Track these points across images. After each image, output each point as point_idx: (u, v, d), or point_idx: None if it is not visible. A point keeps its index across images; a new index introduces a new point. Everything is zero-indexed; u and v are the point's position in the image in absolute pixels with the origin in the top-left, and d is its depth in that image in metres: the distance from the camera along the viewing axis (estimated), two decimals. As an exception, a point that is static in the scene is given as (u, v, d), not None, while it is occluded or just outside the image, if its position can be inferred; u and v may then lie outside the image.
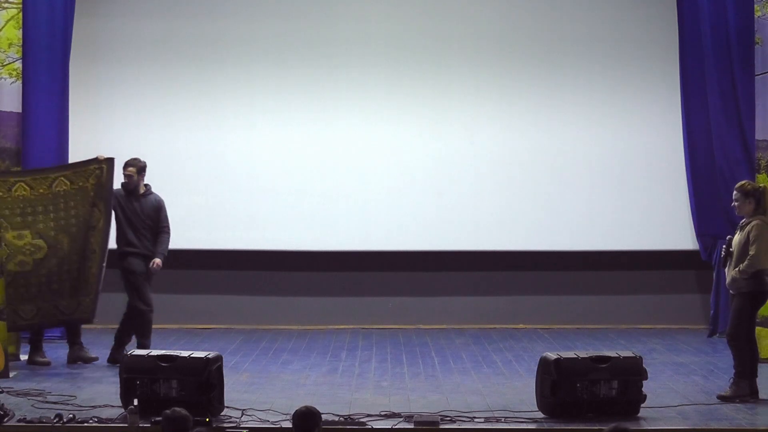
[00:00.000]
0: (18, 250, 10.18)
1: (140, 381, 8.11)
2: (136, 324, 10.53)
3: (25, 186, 10.24)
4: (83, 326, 10.67)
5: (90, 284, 10.28)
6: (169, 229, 10.63)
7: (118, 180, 10.54)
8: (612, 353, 8.36)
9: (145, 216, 10.53)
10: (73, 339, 10.64)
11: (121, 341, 10.57)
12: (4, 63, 11.62)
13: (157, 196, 10.65)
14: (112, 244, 10.57)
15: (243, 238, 12.76)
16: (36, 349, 10.58)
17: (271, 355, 10.89)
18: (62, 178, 10.29)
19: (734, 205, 9.05)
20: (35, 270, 10.19)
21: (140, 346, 10.33)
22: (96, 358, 10.60)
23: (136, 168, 10.54)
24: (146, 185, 10.64)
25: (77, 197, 10.29)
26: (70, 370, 10.29)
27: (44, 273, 10.19)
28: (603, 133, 13.07)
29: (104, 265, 10.37)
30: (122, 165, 10.56)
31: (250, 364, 10.57)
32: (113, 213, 10.51)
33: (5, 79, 11.62)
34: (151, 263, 10.52)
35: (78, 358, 10.57)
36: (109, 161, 10.40)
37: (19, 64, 11.65)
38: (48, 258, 10.21)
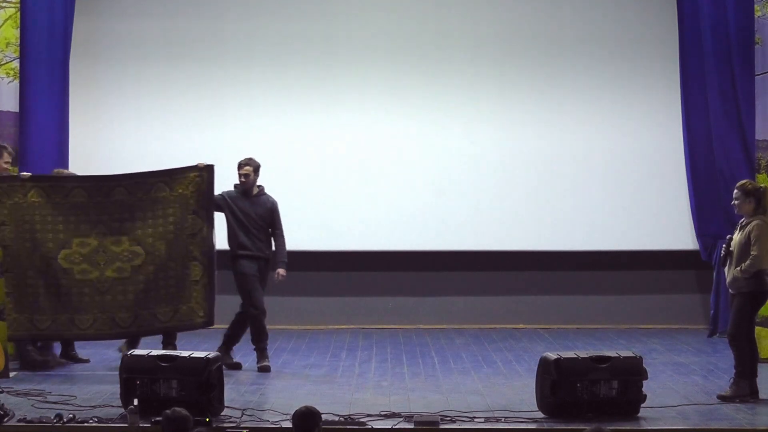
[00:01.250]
0: (115, 256, 10.04)
1: (140, 381, 8.11)
2: (251, 329, 10.42)
3: (124, 190, 10.10)
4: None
5: (188, 292, 10.10)
6: (283, 232, 10.50)
7: (219, 186, 10.32)
8: (612, 353, 8.35)
9: (257, 217, 10.36)
10: (168, 340, 10.55)
11: (229, 343, 10.48)
12: (2, 62, 11.62)
13: (271, 197, 10.48)
14: (224, 245, 10.43)
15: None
16: (169, 343, 10.52)
17: (271, 355, 10.86)
18: (162, 184, 10.12)
19: (734, 204, 9.05)
20: (133, 277, 10.03)
21: (257, 350, 10.34)
22: (87, 360, 10.56)
23: (253, 167, 10.39)
24: (259, 186, 10.46)
25: (176, 204, 10.10)
26: (70, 370, 10.28)
27: (142, 280, 10.04)
28: (603, 133, 13.07)
29: (215, 271, 10.19)
30: (237, 165, 10.41)
31: (250, 364, 10.56)
32: (225, 215, 10.37)
33: (2, 78, 11.62)
34: (276, 275, 10.42)
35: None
36: (209, 168, 10.18)
37: (16, 64, 11.65)
38: (145, 265, 10.05)
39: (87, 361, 10.59)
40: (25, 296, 9.94)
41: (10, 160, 10.48)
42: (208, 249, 10.14)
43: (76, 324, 9.99)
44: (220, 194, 10.35)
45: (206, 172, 10.18)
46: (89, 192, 10.10)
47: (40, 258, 9.97)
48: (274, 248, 10.53)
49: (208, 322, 10.22)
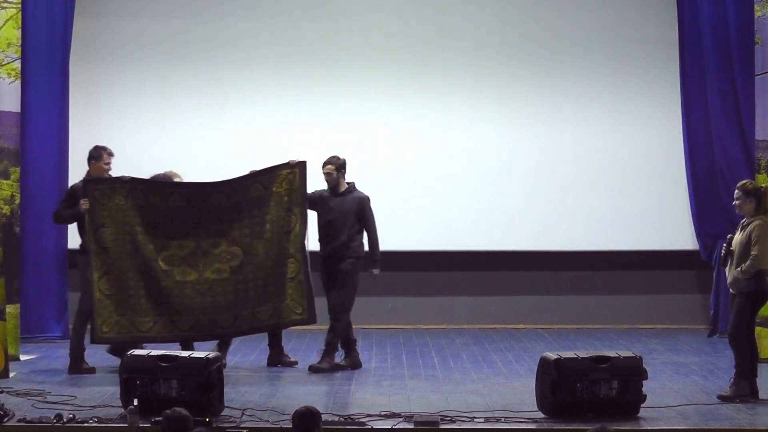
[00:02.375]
0: (214, 257, 10.01)
1: (140, 381, 8.10)
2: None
3: (222, 195, 10.09)
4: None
5: (285, 290, 10.06)
6: (374, 229, 10.35)
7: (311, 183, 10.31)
8: (612, 353, 8.35)
9: (343, 214, 10.28)
10: (274, 342, 10.57)
11: (346, 346, 10.47)
12: (3, 63, 11.62)
13: (360, 193, 10.38)
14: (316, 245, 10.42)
15: (243, 238, 12.74)
16: (279, 349, 10.58)
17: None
18: (257, 184, 10.12)
19: (735, 204, 9.06)
20: (232, 277, 10.02)
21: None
22: (296, 362, 10.53)
23: (335, 165, 10.34)
24: (349, 183, 10.42)
25: (271, 202, 10.09)
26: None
27: (241, 280, 10.03)
28: (603, 133, 13.07)
29: (309, 269, 10.15)
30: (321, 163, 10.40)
31: (250, 364, 10.57)
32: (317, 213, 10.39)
33: (4, 78, 11.63)
34: (369, 274, 10.40)
35: (278, 361, 10.51)
36: (301, 165, 10.15)
37: (17, 64, 11.66)
38: (244, 265, 10.04)
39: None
40: (126, 298, 9.92)
41: (109, 161, 10.37)
42: (301, 245, 10.10)
43: (176, 326, 9.97)
44: (312, 192, 10.35)
45: (298, 168, 10.16)
46: (188, 198, 10.09)
47: (142, 260, 9.96)
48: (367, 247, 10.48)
49: (308, 320, 10.17)
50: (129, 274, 9.94)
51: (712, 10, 12.08)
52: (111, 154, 10.38)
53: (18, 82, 11.70)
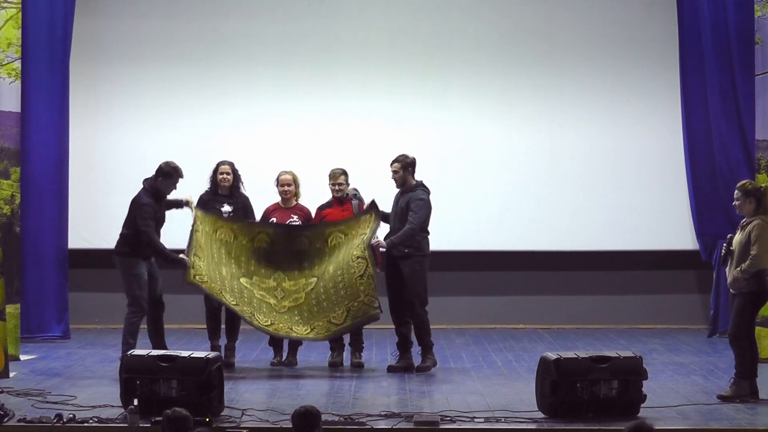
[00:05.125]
0: (292, 292, 10.23)
1: (140, 381, 8.11)
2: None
3: (306, 240, 10.28)
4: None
5: (355, 289, 10.10)
6: (412, 221, 10.19)
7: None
8: (612, 353, 8.35)
9: (402, 212, 10.28)
10: (354, 338, 10.63)
11: (403, 346, 10.48)
12: (3, 63, 11.63)
13: (419, 192, 10.30)
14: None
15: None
16: (356, 347, 10.65)
17: (271, 355, 10.87)
18: (337, 233, 10.28)
19: (735, 204, 9.06)
20: (307, 300, 10.19)
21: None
22: (362, 364, 10.54)
23: (401, 164, 10.31)
24: (417, 182, 10.37)
25: (350, 243, 10.22)
26: (70, 371, 10.27)
27: (314, 297, 10.19)
28: (603, 133, 13.08)
29: (378, 269, 10.25)
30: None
31: (250, 364, 10.57)
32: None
33: (4, 78, 11.64)
34: (376, 242, 10.29)
35: (352, 359, 10.58)
36: (373, 205, 10.31)
37: (18, 64, 11.67)
38: (317, 286, 10.21)
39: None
40: (216, 279, 10.05)
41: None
42: (367, 245, 10.11)
43: (256, 318, 10.07)
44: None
45: (373, 210, 10.29)
46: (272, 239, 10.27)
47: (226, 272, 10.18)
48: None
49: (378, 315, 10.23)
50: (222, 268, 10.16)
51: (712, 10, 12.08)
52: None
53: (18, 82, 11.71)
